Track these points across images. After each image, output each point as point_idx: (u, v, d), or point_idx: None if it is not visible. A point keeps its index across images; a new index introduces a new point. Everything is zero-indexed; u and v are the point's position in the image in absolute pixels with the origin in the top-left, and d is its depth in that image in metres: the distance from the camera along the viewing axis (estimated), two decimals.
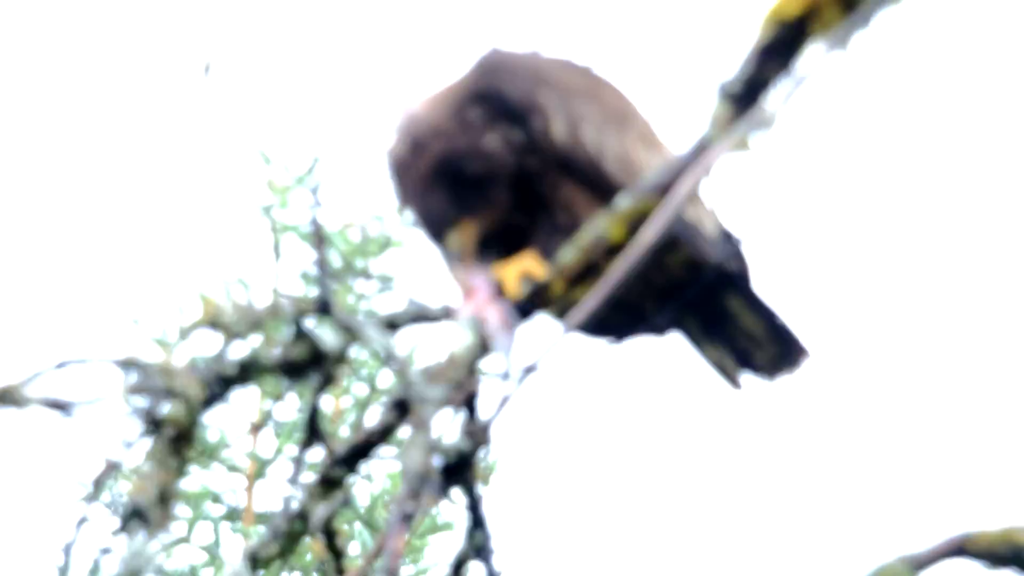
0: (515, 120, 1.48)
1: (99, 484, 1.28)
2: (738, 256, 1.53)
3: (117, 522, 1.27)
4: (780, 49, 1.40)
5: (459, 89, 1.52)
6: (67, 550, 1.29)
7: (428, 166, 1.49)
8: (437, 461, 1.26)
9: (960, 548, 1.33)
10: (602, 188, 1.43)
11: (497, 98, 1.48)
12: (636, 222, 1.27)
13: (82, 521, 1.30)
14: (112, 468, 1.30)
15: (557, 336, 1.23)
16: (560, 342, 1.23)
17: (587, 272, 1.30)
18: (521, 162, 1.47)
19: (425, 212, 1.56)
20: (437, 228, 1.48)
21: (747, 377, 1.56)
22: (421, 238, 1.66)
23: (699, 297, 1.50)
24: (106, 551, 1.29)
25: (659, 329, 1.55)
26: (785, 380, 1.55)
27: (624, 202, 1.31)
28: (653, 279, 1.46)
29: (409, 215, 1.41)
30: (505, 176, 1.45)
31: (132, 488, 1.26)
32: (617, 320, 1.52)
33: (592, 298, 1.22)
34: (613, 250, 1.30)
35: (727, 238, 1.54)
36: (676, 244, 1.46)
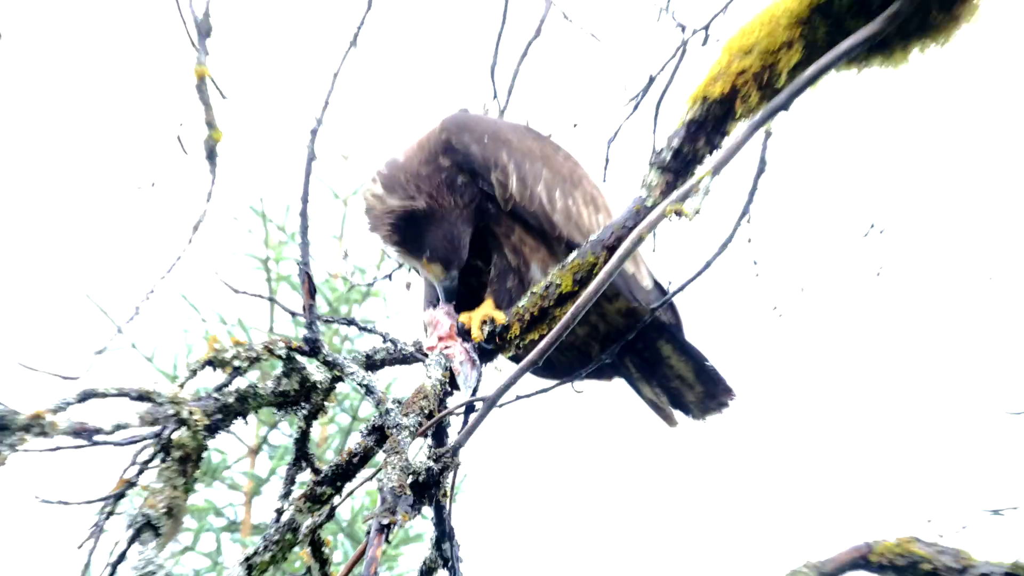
0: (478, 172, 1.67)
1: (116, 499, 1.47)
2: (671, 307, 1.73)
3: (131, 533, 1.45)
4: (707, 126, 1.61)
5: (431, 143, 1.71)
6: (88, 557, 1.47)
7: (399, 212, 1.68)
8: (410, 480, 1.44)
9: (863, 559, 1.52)
10: (548, 237, 1.62)
11: (463, 152, 1.67)
12: (583, 275, 1.46)
13: (100, 532, 1.48)
14: (127, 485, 1.48)
15: (514, 374, 1.42)
16: (516, 379, 1.42)
17: (540, 317, 1.50)
18: (483, 209, 1.67)
19: (403, 251, 1.75)
20: (415, 255, 1.65)
21: (680, 417, 1.76)
22: (398, 282, 1.87)
23: (636, 342, 1.69)
24: (122, 558, 1.47)
25: (606, 376, 1.74)
26: (714, 419, 1.74)
27: (571, 257, 1.50)
28: (597, 326, 1.66)
29: (387, 252, 1.60)
30: (466, 222, 1.65)
31: (145, 503, 1.44)
32: (567, 362, 1.72)
33: (544, 340, 1.42)
34: (563, 298, 1.49)
35: (660, 290, 1.74)
36: (617, 293, 1.66)
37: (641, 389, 1.76)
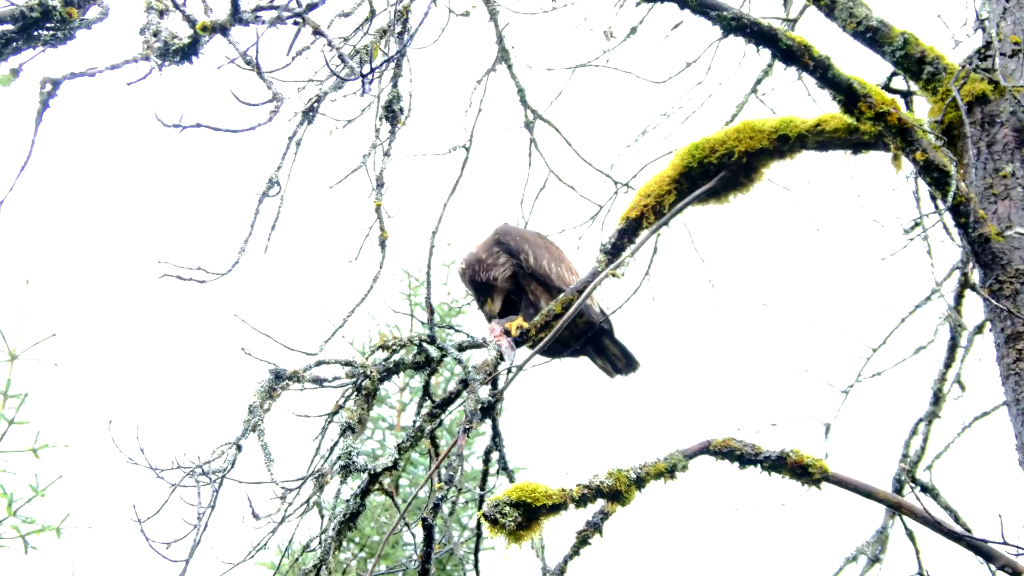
0: (514, 255, 3.18)
1: (333, 414, 2.84)
2: (608, 321, 3.23)
3: (339, 431, 2.81)
4: (629, 231, 3.13)
5: (487, 241, 3.24)
6: (319, 443, 2.82)
7: (474, 274, 3.18)
8: (479, 405, 2.82)
9: (706, 447, 2.88)
10: (550, 288, 3.13)
11: (506, 245, 3.19)
12: (566, 304, 2.93)
13: (325, 430, 2.83)
14: (338, 407, 2.85)
15: (533, 353, 2.86)
16: (533, 356, 2.86)
17: (545, 326, 2.95)
18: (516, 273, 3.17)
19: (476, 294, 3.25)
20: (480, 301, 3.16)
21: (616, 376, 3.24)
22: (474, 309, 3.37)
23: (592, 339, 3.18)
24: (335, 444, 2.81)
25: (575, 354, 3.21)
26: (631, 376, 3.23)
27: (560, 296, 2.98)
28: (572, 330, 3.13)
29: (469, 297, 3.09)
30: (508, 279, 3.15)
31: (347, 416, 2.80)
32: (557, 348, 3.18)
33: (547, 338, 2.87)
34: (556, 317, 2.95)
35: (603, 313, 3.25)
36: (582, 314, 3.15)
37: (595, 361, 3.25)
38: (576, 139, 3.68)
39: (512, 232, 3.18)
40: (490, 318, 3.18)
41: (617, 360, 3.23)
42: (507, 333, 2.96)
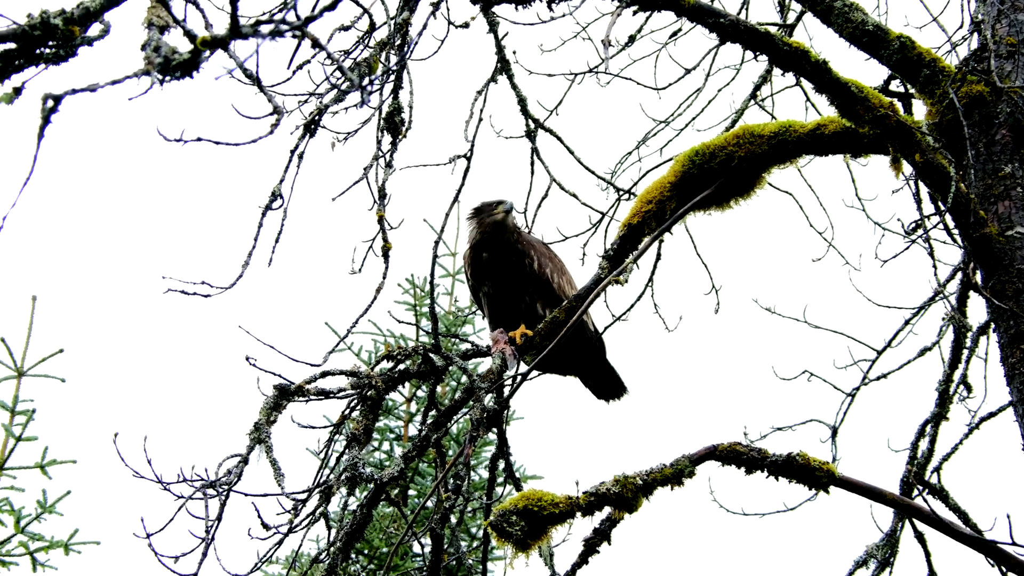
0: (520, 257, 3.20)
1: (338, 425, 2.84)
2: (600, 340, 3.24)
3: (345, 442, 2.80)
4: (630, 238, 3.13)
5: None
6: (326, 453, 2.82)
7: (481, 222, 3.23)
8: (484, 414, 2.82)
9: (712, 452, 2.87)
10: (550, 297, 3.13)
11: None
12: (568, 308, 2.93)
13: (332, 441, 2.83)
14: (344, 418, 2.85)
15: (534, 363, 2.86)
16: (534, 364, 2.86)
17: (548, 333, 2.94)
18: (517, 275, 3.19)
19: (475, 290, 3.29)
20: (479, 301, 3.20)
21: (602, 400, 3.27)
22: (479, 319, 3.39)
23: (583, 358, 3.20)
24: (341, 455, 2.81)
25: (564, 373, 3.23)
26: (616, 404, 3.27)
27: (564, 303, 2.98)
28: (572, 344, 3.13)
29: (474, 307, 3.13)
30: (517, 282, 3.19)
31: (352, 427, 2.80)
32: (553, 361, 3.18)
33: (551, 344, 2.87)
34: (559, 324, 2.95)
35: (596, 333, 3.25)
36: (582, 329, 3.15)
37: (584, 382, 3.29)
38: (578, 147, 3.70)
39: (519, 229, 3.24)
40: (492, 326, 3.19)
41: (604, 384, 3.27)
42: (511, 341, 2.96)
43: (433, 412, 2.86)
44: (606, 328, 3.20)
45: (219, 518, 2.42)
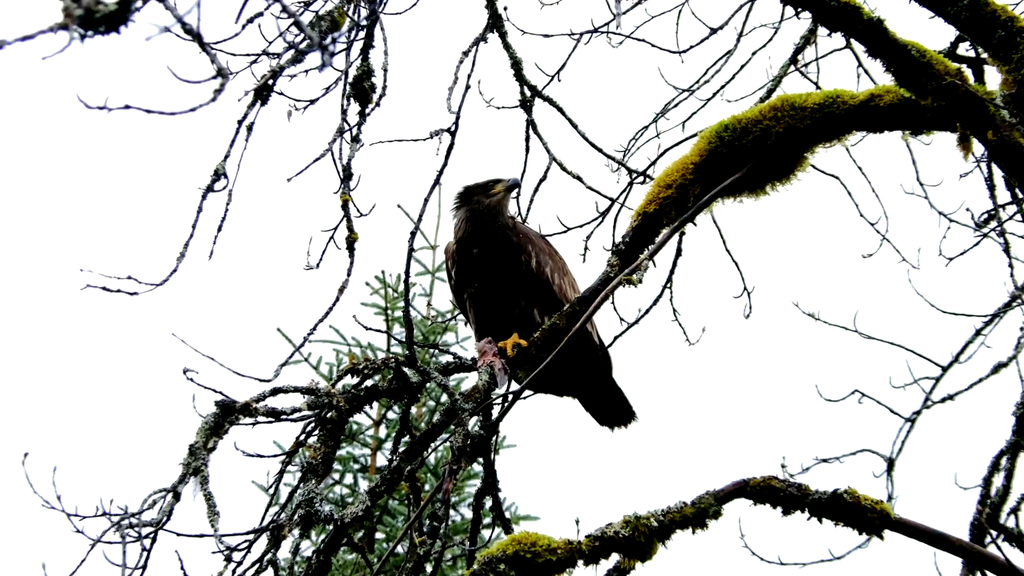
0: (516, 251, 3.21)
1: (291, 454, 2.84)
2: (606, 354, 3.26)
3: (300, 474, 2.81)
4: (645, 229, 3.14)
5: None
6: (275, 488, 2.83)
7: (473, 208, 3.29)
8: (468, 441, 2.83)
9: (743, 488, 2.88)
10: (548, 302, 3.15)
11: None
12: (571, 317, 2.94)
13: (283, 473, 2.84)
14: (298, 444, 2.85)
15: (528, 379, 2.87)
16: (530, 380, 2.87)
17: (546, 344, 2.96)
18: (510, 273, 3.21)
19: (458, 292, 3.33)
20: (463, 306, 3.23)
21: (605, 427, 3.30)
22: (462, 325, 3.42)
23: (585, 376, 3.22)
24: (295, 490, 2.82)
25: (560, 393, 3.25)
26: (621, 432, 3.30)
27: (565, 307, 2.99)
28: (572, 358, 3.14)
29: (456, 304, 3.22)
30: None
31: (308, 455, 2.80)
32: (548, 384, 3.20)
33: (548, 357, 2.88)
34: (560, 333, 2.96)
35: (601, 346, 3.27)
36: (586, 338, 3.17)
37: (584, 405, 3.31)
38: (583, 120, 3.71)
39: (515, 219, 3.26)
40: (478, 335, 3.21)
41: (609, 408, 3.29)
42: (502, 353, 2.97)
43: (406, 438, 2.87)
44: (615, 339, 3.23)
45: (143, 567, 2.40)
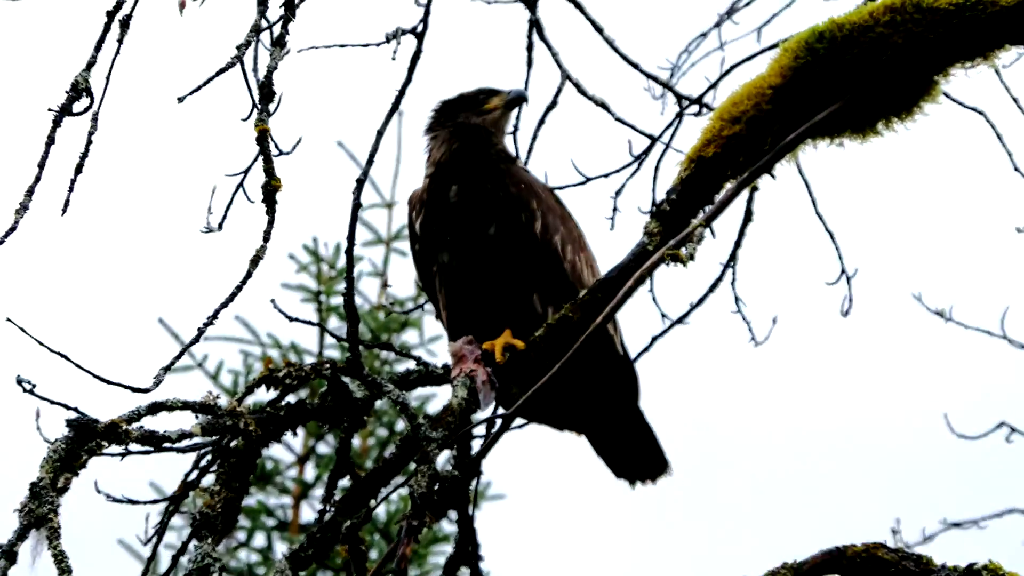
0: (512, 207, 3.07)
1: (178, 499, 2.70)
2: (633, 372, 3.12)
3: (190, 530, 2.67)
4: (701, 183, 3.00)
5: None
6: (152, 551, 2.69)
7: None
8: (435, 486, 2.69)
9: (837, 559, 2.77)
10: (556, 283, 2.99)
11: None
12: (586, 308, 2.78)
13: (164, 529, 2.70)
14: (187, 487, 2.71)
15: (528, 394, 2.72)
16: (530, 396, 2.72)
17: (551, 345, 2.80)
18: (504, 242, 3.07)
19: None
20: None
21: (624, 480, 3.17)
22: (430, 317, 3.22)
23: (602, 400, 3.07)
24: (182, 552, 2.68)
25: (560, 426, 3.12)
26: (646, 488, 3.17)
27: (582, 294, 2.84)
28: (587, 373, 2.99)
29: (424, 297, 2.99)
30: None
31: (204, 503, 2.66)
32: (546, 410, 3.05)
33: (555, 368, 2.73)
34: (570, 329, 2.81)
35: (625, 354, 3.13)
36: (608, 342, 3.02)
37: (594, 447, 3.18)
38: (610, 24, 3.54)
39: (514, 160, 3.12)
40: (453, 331, 3.04)
41: (631, 451, 3.14)
42: (487, 359, 2.83)
43: (345, 481, 2.75)
44: (653, 341, 3.05)
45: None
